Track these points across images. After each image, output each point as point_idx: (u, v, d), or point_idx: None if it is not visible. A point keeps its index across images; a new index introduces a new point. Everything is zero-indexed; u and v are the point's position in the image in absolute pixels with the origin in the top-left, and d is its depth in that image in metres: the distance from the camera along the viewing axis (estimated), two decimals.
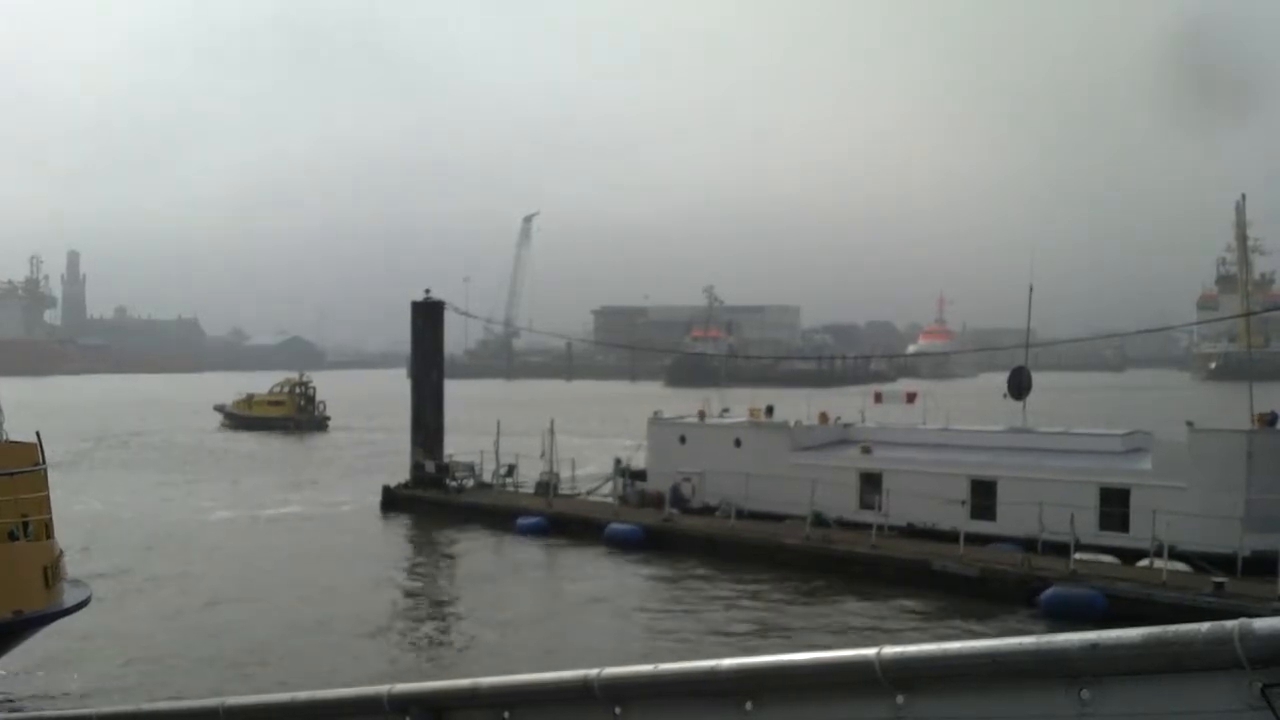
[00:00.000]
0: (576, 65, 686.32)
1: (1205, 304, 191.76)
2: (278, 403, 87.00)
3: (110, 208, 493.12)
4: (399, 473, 45.51)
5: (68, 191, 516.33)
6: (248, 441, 76.17)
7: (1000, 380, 40.70)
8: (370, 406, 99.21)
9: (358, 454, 66.13)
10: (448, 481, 43.30)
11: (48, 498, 17.98)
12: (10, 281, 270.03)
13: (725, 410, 41.92)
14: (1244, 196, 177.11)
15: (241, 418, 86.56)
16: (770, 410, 39.48)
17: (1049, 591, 25.52)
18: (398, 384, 73.20)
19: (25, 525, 17.35)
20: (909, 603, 27.14)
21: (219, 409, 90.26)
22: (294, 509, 44.19)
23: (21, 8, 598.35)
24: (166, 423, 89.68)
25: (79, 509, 38.96)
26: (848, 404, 43.38)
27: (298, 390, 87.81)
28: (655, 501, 37.17)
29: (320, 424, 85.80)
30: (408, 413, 47.07)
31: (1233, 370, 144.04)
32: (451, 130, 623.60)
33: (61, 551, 18.33)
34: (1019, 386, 37.29)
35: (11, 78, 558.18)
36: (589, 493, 41.50)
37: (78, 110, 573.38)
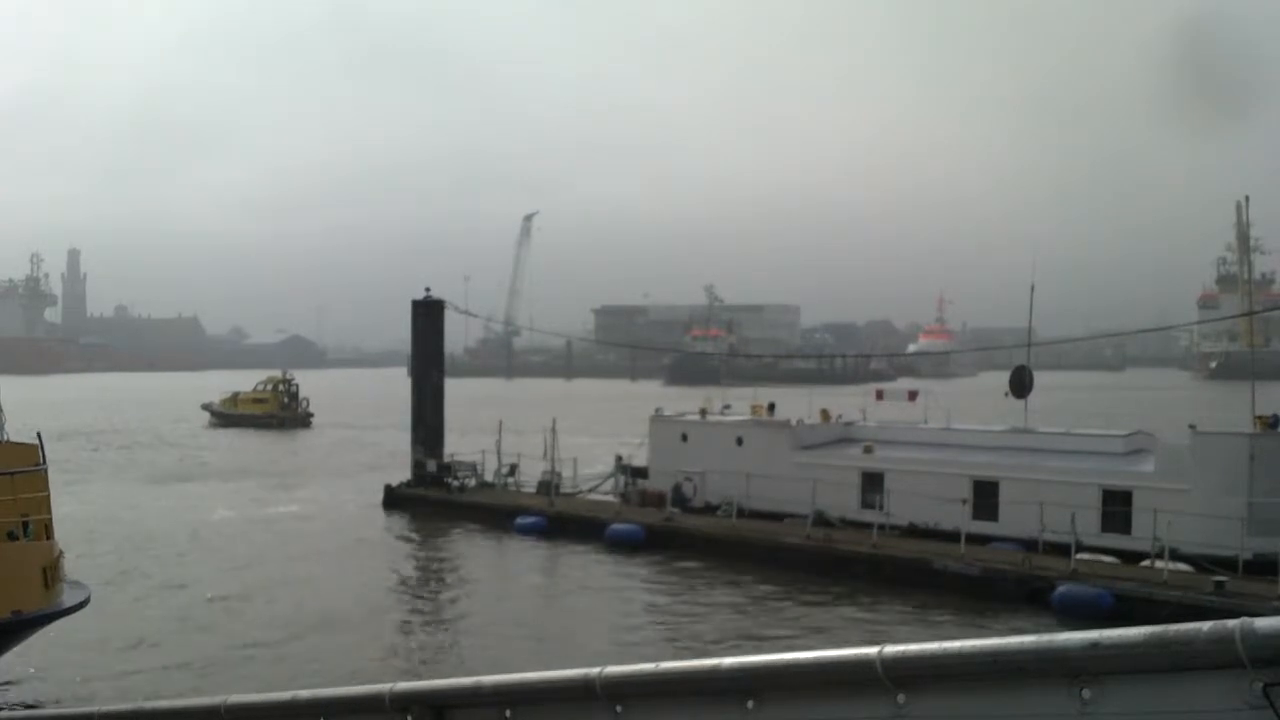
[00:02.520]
0: (576, 61, 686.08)
1: (1205, 303, 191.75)
2: (261, 400, 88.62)
3: (115, 209, 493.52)
4: (383, 468, 45.29)
5: (72, 191, 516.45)
6: (234, 438, 77.03)
7: (1000, 379, 40.69)
8: (363, 405, 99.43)
9: (341, 451, 66.70)
10: (449, 480, 43.29)
11: (48, 498, 17.98)
12: (10, 280, 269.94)
13: (726, 407, 41.86)
14: (1247, 197, 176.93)
15: (227, 416, 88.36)
16: (772, 408, 39.47)
17: (1059, 590, 25.54)
18: (397, 383, 73.28)
19: (25, 525, 17.35)
20: (910, 602, 27.13)
21: (206, 408, 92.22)
22: (294, 508, 44.14)
23: (46, 7, 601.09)
24: (158, 421, 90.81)
25: (76, 509, 38.96)
26: (848, 403, 43.36)
27: (280, 388, 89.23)
28: (656, 500, 37.11)
29: (303, 421, 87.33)
30: (399, 411, 47.12)
31: (1233, 370, 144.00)
32: (451, 130, 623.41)
33: (61, 552, 18.32)
34: (1021, 385, 37.26)
35: (22, 77, 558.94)
36: (590, 491, 41.47)
37: (86, 112, 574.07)
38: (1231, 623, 2.39)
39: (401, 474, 45.41)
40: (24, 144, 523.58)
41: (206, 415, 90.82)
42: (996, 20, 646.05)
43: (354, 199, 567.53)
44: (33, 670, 20.59)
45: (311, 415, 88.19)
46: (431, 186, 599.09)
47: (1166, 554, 25.83)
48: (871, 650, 2.93)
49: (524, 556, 34.97)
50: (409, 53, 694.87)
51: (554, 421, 41.06)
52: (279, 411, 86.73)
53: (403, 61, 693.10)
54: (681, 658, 3.64)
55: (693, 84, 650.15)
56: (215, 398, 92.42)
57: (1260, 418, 29.57)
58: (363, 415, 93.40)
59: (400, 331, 57.34)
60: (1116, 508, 29.81)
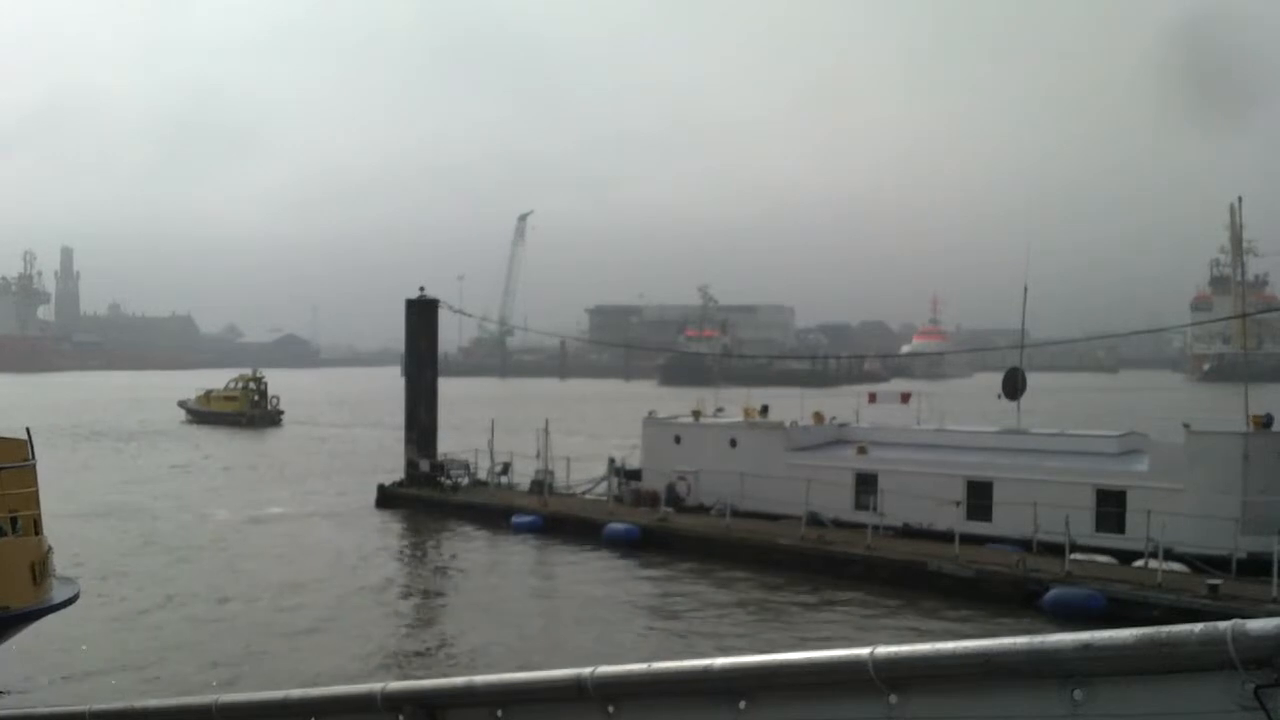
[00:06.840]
0: (574, 49, 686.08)
1: (1199, 305, 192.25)
2: (231, 398, 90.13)
3: (114, 209, 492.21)
4: (376, 469, 45.04)
5: (71, 192, 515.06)
6: (208, 437, 77.90)
7: (994, 380, 40.69)
8: (357, 403, 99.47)
9: (328, 451, 66.96)
10: (442, 479, 43.25)
11: (36, 494, 17.90)
12: (4, 278, 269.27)
13: (720, 409, 41.87)
14: (1240, 199, 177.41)
15: (200, 413, 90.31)
16: (765, 410, 39.48)
17: (1051, 593, 25.55)
18: (391, 382, 73.31)
19: (13, 521, 17.29)
20: (904, 603, 27.14)
21: (182, 405, 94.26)
22: (286, 507, 44.03)
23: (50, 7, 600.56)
24: (145, 418, 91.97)
25: (64, 505, 38.84)
26: (842, 404, 43.38)
27: (251, 386, 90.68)
28: (650, 500, 37.11)
29: (273, 419, 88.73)
30: (380, 409, 47.17)
31: (1226, 372, 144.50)
32: (452, 130, 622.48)
33: (50, 548, 18.25)
34: (1014, 387, 37.28)
35: (22, 79, 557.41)
36: (583, 492, 41.45)
37: (88, 113, 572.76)
38: (1223, 624, 2.39)
39: (393, 474, 45.33)
40: (25, 143, 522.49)
41: (182, 413, 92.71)
42: (995, 21, 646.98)
43: (351, 199, 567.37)
44: (21, 667, 20.52)
45: (281, 413, 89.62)
46: (431, 185, 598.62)
47: (1161, 554, 25.84)
48: (863, 651, 2.92)
49: (518, 556, 34.93)
50: (411, 52, 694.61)
51: (547, 421, 41.05)
52: (248, 409, 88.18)
53: (405, 62, 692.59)
54: (674, 658, 3.62)
55: (688, 83, 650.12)
56: (193, 396, 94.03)
57: (1254, 417, 29.61)
58: (332, 412, 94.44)
59: (394, 331, 57.45)
60: (1110, 508, 29.84)
